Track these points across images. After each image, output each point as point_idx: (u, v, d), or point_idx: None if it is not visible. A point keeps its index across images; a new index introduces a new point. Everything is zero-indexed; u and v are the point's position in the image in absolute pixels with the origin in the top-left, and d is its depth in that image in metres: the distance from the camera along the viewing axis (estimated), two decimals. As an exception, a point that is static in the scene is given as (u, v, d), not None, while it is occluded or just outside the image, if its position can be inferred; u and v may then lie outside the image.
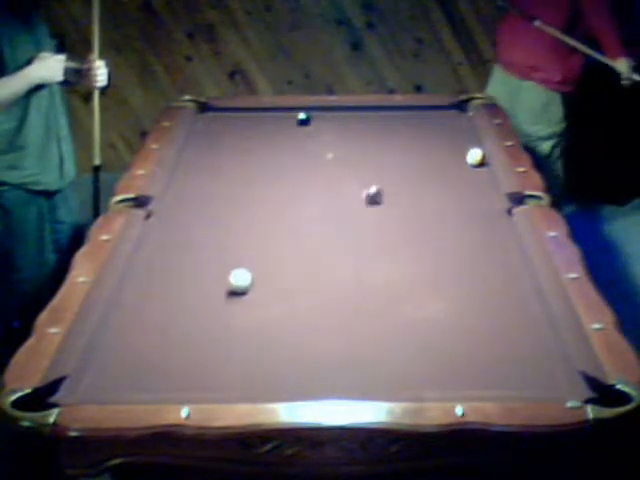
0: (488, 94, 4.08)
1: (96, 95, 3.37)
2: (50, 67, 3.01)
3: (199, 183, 3.17)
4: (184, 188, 3.12)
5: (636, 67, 3.98)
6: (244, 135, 3.59)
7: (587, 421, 1.92)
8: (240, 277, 2.43)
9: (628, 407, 1.94)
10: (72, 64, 3.18)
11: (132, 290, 2.48)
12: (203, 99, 3.91)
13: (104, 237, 2.69)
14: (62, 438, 1.93)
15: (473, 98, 3.88)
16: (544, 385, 2.07)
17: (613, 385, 2.00)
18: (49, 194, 3.20)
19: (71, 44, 4.44)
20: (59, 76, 3.04)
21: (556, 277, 2.45)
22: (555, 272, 2.47)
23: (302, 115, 3.68)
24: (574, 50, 4.03)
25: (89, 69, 3.21)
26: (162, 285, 2.53)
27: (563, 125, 4.25)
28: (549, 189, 2.99)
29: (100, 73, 3.23)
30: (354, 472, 2.01)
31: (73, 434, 1.92)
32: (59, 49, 3.27)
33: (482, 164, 3.25)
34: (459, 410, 1.93)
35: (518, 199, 2.91)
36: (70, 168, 3.27)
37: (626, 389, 1.98)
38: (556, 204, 2.94)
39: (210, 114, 3.79)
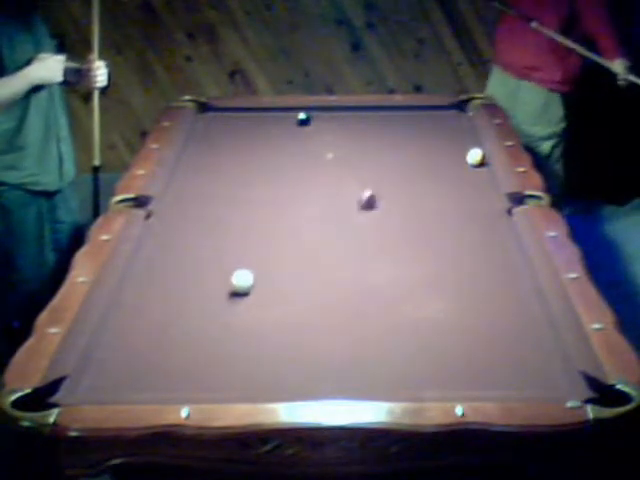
0: (488, 95, 4.09)
1: (96, 95, 3.37)
2: (50, 67, 3.01)
3: (199, 183, 3.17)
4: (184, 188, 3.12)
5: (632, 68, 3.98)
6: (244, 135, 3.59)
7: (587, 421, 1.92)
8: (242, 278, 2.43)
9: (628, 407, 1.94)
10: (72, 64, 3.18)
11: (132, 290, 2.48)
12: (203, 99, 3.91)
13: (104, 237, 2.69)
14: (62, 438, 1.93)
15: (473, 98, 3.88)
16: (544, 385, 2.07)
17: (613, 385, 2.00)
18: (49, 194, 3.20)
19: (71, 44, 4.44)
20: (59, 77, 3.04)
21: (556, 277, 2.45)
22: (555, 272, 2.47)
23: (302, 115, 3.68)
24: (572, 50, 4.03)
25: (89, 69, 3.21)
26: (162, 285, 2.53)
27: (563, 125, 4.25)
28: (549, 189, 3.00)
29: (100, 73, 3.23)
30: (354, 472, 2.01)
31: (73, 434, 1.92)
32: (59, 49, 3.27)
33: (482, 164, 3.25)
34: (459, 410, 1.93)
35: (518, 199, 2.91)
36: (70, 168, 3.27)
37: (626, 389, 1.98)
38: (556, 204, 2.94)
39: (210, 114, 3.79)
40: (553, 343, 2.21)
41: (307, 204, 3.00)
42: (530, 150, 3.52)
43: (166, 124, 3.60)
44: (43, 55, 3.01)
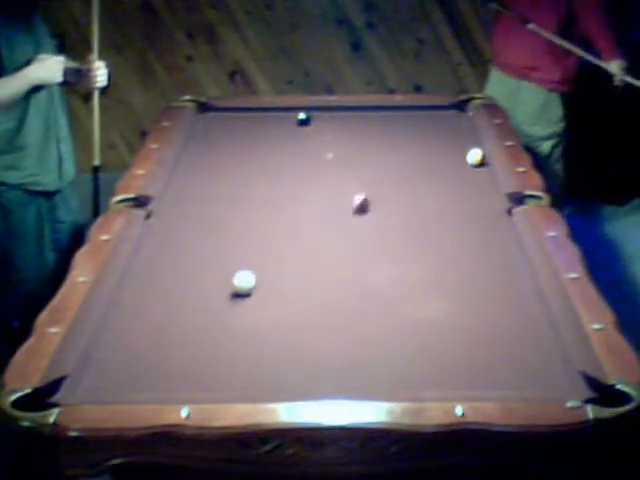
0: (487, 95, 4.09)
1: (96, 95, 3.37)
2: (50, 68, 3.01)
3: (199, 183, 3.17)
4: (184, 188, 3.12)
5: (629, 69, 3.99)
6: (244, 135, 3.59)
7: (587, 421, 1.92)
8: (244, 279, 2.43)
9: (628, 407, 1.94)
10: (72, 64, 3.18)
11: (132, 290, 2.48)
12: (203, 99, 3.91)
13: (104, 237, 2.69)
14: (62, 438, 1.93)
15: (473, 98, 3.88)
16: (544, 385, 2.07)
17: (613, 385, 2.00)
18: (48, 194, 3.20)
19: (71, 44, 4.45)
20: (58, 77, 3.03)
21: (556, 277, 2.45)
22: (555, 272, 2.47)
23: (302, 115, 3.68)
24: (569, 51, 4.04)
25: (89, 69, 3.21)
26: (162, 285, 2.53)
27: (562, 125, 4.25)
28: (549, 189, 3.00)
29: (100, 73, 3.22)
30: (354, 472, 2.01)
31: (73, 434, 1.92)
32: (59, 49, 3.27)
33: (482, 164, 3.25)
34: (459, 410, 1.93)
35: (518, 199, 2.91)
36: (69, 168, 3.27)
37: (626, 389, 1.98)
38: (556, 204, 2.94)
39: (210, 114, 3.79)
40: (553, 343, 2.21)
41: (307, 204, 3.00)
42: (530, 150, 3.52)
43: (166, 124, 3.60)
44: (43, 56, 3.01)
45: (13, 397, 1.98)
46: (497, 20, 4.27)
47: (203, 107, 3.83)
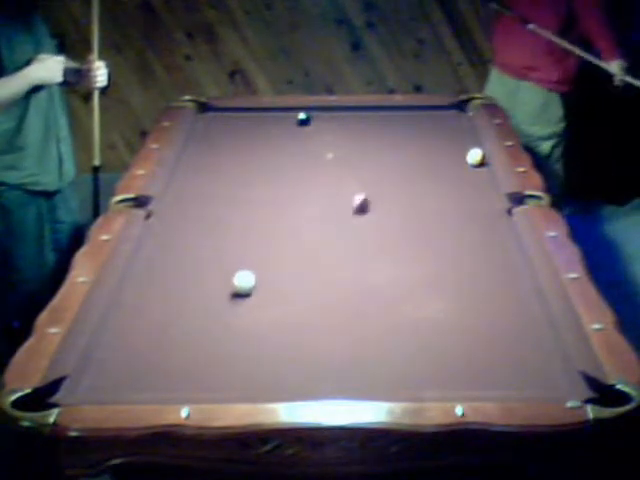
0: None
1: (96, 95, 3.37)
2: (49, 68, 3.01)
3: (199, 183, 3.17)
4: (184, 188, 3.12)
5: (629, 69, 3.99)
6: (244, 135, 3.59)
7: (587, 421, 1.92)
8: (244, 279, 2.43)
9: (628, 407, 1.94)
10: (72, 64, 3.18)
11: (132, 290, 2.48)
12: (203, 99, 3.91)
13: (104, 237, 2.69)
14: (62, 438, 1.93)
15: (473, 98, 3.88)
16: (544, 385, 2.07)
17: (613, 385, 2.00)
18: (48, 194, 3.20)
19: (71, 44, 4.45)
20: (58, 77, 3.03)
21: (556, 277, 2.45)
22: (555, 272, 2.47)
23: (302, 115, 3.68)
24: (569, 51, 4.04)
25: (89, 69, 3.21)
26: (162, 285, 2.53)
27: (562, 125, 4.25)
28: (549, 189, 3.00)
29: (100, 74, 3.22)
30: (354, 472, 2.01)
31: (73, 434, 1.92)
32: (59, 49, 3.27)
33: (482, 164, 3.25)
34: (459, 410, 1.93)
35: (518, 199, 2.92)
36: (69, 168, 3.27)
37: (626, 389, 1.98)
38: (556, 204, 2.94)
39: (210, 114, 3.79)
40: (553, 343, 2.21)
41: (307, 204, 3.00)
42: (530, 150, 3.52)
43: (166, 124, 3.60)
44: (43, 56, 3.01)
45: (13, 397, 1.98)
46: (497, 20, 4.27)
47: (203, 107, 3.83)
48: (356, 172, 3.21)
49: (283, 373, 2.12)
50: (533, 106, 4.20)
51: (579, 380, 2.04)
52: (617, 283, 3.92)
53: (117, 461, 1.95)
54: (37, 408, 1.95)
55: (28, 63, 2.97)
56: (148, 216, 2.87)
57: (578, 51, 4.01)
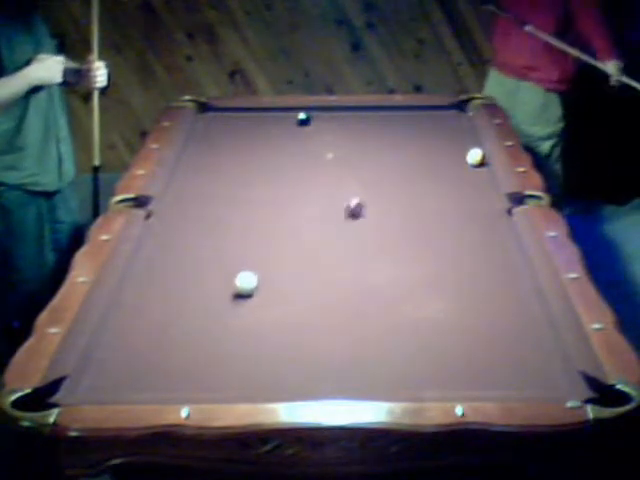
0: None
1: (96, 95, 3.37)
2: (49, 68, 3.01)
3: (199, 183, 3.17)
4: (184, 188, 3.12)
5: (629, 69, 3.99)
6: (244, 135, 3.59)
7: (587, 421, 1.92)
8: (246, 280, 2.43)
9: (628, 407, 1.94)
10: (72, 65, 3.18)
11: (132, 290, 2.48)
12: (203, 99, 3.91)
13: (104, 237, 2.69)
14: (62, 438, 1.93)
15: (473, 98, 3.88)
16: (544, 385, 2.07)
17: (613, 385, 2.00)
18: (48, 194, 3.20)
19: (71, 44, 4.44)
20: (58, 78, 3.03)
21: (556, 277, 2.45)
22: (555, 272, 2.47)
23: (302, 115, 3.68)
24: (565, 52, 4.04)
25: (89, 69, 3.21)
26: (162, 285, 2.53)
27: (561, 125, 4.25)
28: (549, 189, 3.00)
29: (100, 74, 3.22)
30: (354, 472, 2.01)
31: (73, 434, 1.92)
32: (59, 49, 3.27)
33: (482, 164, 3.25)
34: (459, 410, 1.93)
35: (518, 199, 2.92)
36: (69, 169, 3.27)
37: (626, 389, 1.98)
38: (556, 204, 2.94)
39: (210, 114, 3.79)
40: (553, 343, 2.21)
41: (307, 204, 3.00)
42: (530, 150, 3.52)
43: (166, 124, 3.60)
44: (43, 56, 3.01)
45: (13, 397, 1.98)
46: (496, 21, 4.28)
47: (203, 107, 3.83)
48: (356, 172, 3.21)
49: (283, 373, 2.12)
50: (533, 106, 4.20)
51: (579, 380, 2.04)
52: (617, 283, 3.92)
53: (117, 461, 1.95)
54: (37, 408, 1.95)
55: (28, 63, 2.97)
56: (148, 216, 2.87)
57: (574, 52, 4.02)
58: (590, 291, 2.37)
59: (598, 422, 1.91)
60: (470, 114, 3.75)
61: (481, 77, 4.70)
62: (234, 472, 2.00)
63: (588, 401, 1.96)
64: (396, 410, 1.95)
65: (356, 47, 5.03)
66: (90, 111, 3.42)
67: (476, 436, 1.92)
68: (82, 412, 1.97)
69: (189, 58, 5.04)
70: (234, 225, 2.87)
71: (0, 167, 3.06)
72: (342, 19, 4.99)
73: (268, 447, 1.93)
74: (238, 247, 2.72)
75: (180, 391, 2.05)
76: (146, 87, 5.07)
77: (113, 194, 2.97)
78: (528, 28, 4.00)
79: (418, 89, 5.06)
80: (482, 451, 1.96)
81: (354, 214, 2.85)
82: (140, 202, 2.93)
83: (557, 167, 4.31)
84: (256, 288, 2.43)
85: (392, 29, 5.00)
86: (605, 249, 4.34)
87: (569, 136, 4.32)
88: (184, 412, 1.93)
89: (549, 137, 4.24)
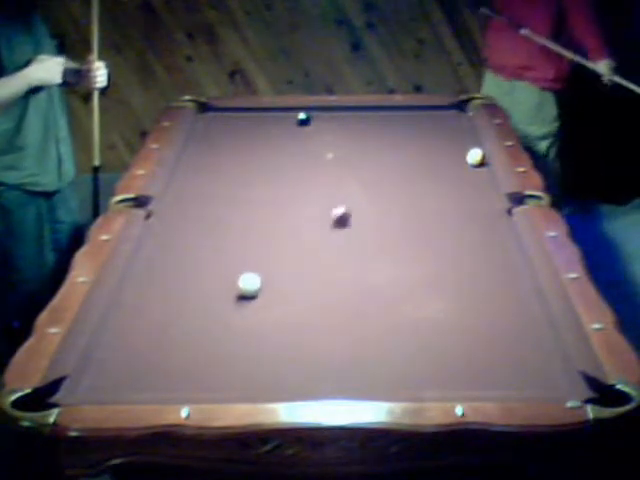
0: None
1: (96, 95, 3.37)
2: (49, 69, 3.00)
3: (199, 183, 3.17)
4: (184, 188, 3.12)
5: (617, 68, 4.00)
6: (244, 135, 3.59)
7: (587, 421, 1.92)
8: (250, 281, 2.42)
9: (628, 407, 1.94)
10: (71, 65, 3.18)
11: (132, 290, 2.48)
12: (203, 99, 3.91)
13: (104, 237, 2.69)
14: (62, 438, 1.93)
15: (473, 98, 3.88)
16: (544, 385, 2.07)
17: (613, 385, 2.00)
18: (48, 195, 3.20)
19: (71, 44, 4.45)
20: (58, 78, 3.03)
21: (556, 277, 2.45)
22: (555, 272, 2.47)
23: (302, 115, 3.68)
24: (558, 52, 4.05)
25: (88, 70, 3.21)
26: (162, 285, 2.53)
27: (557, 124, 4.26)
28: (549, 189, 3.00)
29: (100, 74, 3.22)
30: (354, 472, 2.01)
31: (73, 434, 1.92)
32: (59, 49, 3.27)
33: (482, 164, 3.25)
34: (459, 410, 1.93)
35: (518, 199, 2.92)
36: (69, 169, 3.27)
37: (626, 389, 1.98)
38: (555, 204, 2.94)
39: (210, 114, 3.79)
40: (553, 343, 2.21)
41: (307, 204, 3.00)
42: (527, 150, 3.52)
43: (166, 124, 3.60)
44: (42, 57, 3.01)
45: (13, 397, 1.98)
46: (489, 23, 4.29)
47: (203, 107, 3.83)
48: (356, 172, 3.21)
49: (283, 373, 2.12)
50: (528, 106, 4.20)
51: (579, 380, 2.04)
52: (617, 283, 3.92)
53: (117, 461, 1.95)
54: (37, 408, 1.95)
55: (28, 63, 2.97)
56: (148, 216, 2.87)
57: (567, 53, 4.03)
58: (590, 291, 2.37)
59: (598, 422, 1.91)
60: (470, 114, 3.75)
61: (481, 77, 4.68)
62: (234, 472, 2.00)
63: (588, 401, 1.96)
64: (396, 410, 1.95)
65: (356, 47, 5.03)
66: (90, 111, 3.42)
67: (476, 436, 1.92)
68: (82, 412, 1.97)
69: (189, 58, 5.04)
70: (234, 225, 2.87)
71: (0, 167, 3.06)
72: (342, 19, 4.99)
73: (268, 447, 1.93)
74: (238, 247, 2.72)
75: (180, 391, 2.05)
76: (146, 87, 5.07)
77: (113, 194, 2.97)
78: (523, 32, 4.01)
79: (418, 89, 5.06)
80: (482, 451, 1.96)
81: (341, 222, 2.83)
82: (140, 202, 2.93)
83: (555, 167, 4.31)
84: (259, 290, 2.43)
85: (392, 29, 5.00)
86: (605, 249, 4.34)
87: (566, 136, 4.32)
88: (184, 412, 1.93)
89: (545, 137, 4.24)
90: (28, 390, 2.00)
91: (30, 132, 3.07)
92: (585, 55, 4.02)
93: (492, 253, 2.70)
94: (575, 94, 4.28)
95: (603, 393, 1.98)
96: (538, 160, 3.90)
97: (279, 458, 1.94)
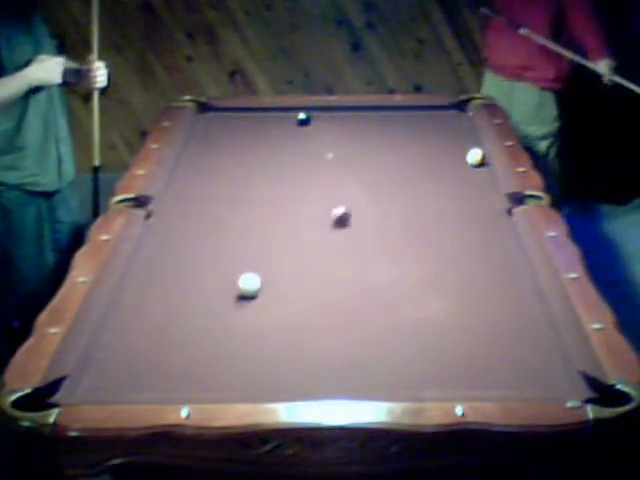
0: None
1: (96, 95, 3.37)
2: (49, 69, 3.00)
3: (199, 183, 3.17)
4: (184, 188, 3.12)
5: (617, 68, 4.00)
6: (244, 135, 3.59)
7: (587, 421, 1.92)
8: (250, 282, 2.42)
9: (628, 407, 1.94)
10: (71, 65, 3.18)
11: (132, 290, 2.48)
12: (203, 99, 3.91)
13: (104, 237, 2.69)
14: (62, 438, 1.93)
15: (473, 98, 3.88)
16: (544, 385, 2.07)
17: (613, 385, 2.00)
18: (48, 195, 3.20)
19: (71, 44, 4.45)
20: (58, 79, 3.03)
21: (556, 277, 2.45)
22: (555, 272, 2.47)
23: (302, 115, 3.68)
24: (558, 52, 4.05)
25: (88, 70, 3.21)
26: (162, 285, 2.53)
27: (557, 124, 4.26)
28: (549, 189, 3.00)
29: (100, 74, 3.22)
30: (354, 472, 2.01)
31: (73, 434, 1.92)
32: (59, 49, 3.27)
33: (482, 164, 3.25)
34: (459, 410, 1.93)
35: (518, 199, 2.91)
36: (69, 169, 3.27)
37: (626, 389, 1.98)
38: (555, 204, 2.94)
39: (210, 114, 3.79)
40: (553, 343, 2.21)
41: (307, 204, 3.00)
42: (527, 150, 3.52)
43: (166, 124, 3.60)
44: (42, 57, 3.01)
45: (13, 397, 1.98)
46: (488, 23, 4.29)
47: (203, 107, 3.83)
48: (356, 172, 3.21)
49: (283, 373, 2.12)
50: (528, 106, 4.20)
51: (579, 380, 2.04)
52: (617, 283, 3.92)
53: (117, 461, 1.95)
54: (37, 408, 1.95)
55: (28, 63, 2.97)
56: (148, 216, 2.87)
57: (567, 53, 4.03)
58: (590, 291, 2.37)
59: (598, 422, 1.91)
60: (470, 114, 3.75)
61: (481, 77, 4.68)
62: (234, 472, 2.00)
63: (588, 401, 1.96)
64: (396, 410, 1.95)
65: (356, 47, 5.03)
66: (90, 111, 3.42)
67: (476, 436, 1.92)
68: (82, 412, 1.97)
69: (189, 58, 5.04)
70: (234, 225, 2.87)
71: (0, 167, 3.06)
72: (342, 19, 4.99)
73: (268, 447, 1.93)
74: (238, 247, 2.72)
75: (180, 391, 2.05)
76: (146, 87, 5.07)
77: (113, 194, 2.97)
78: (523, 31, 4.01)
79: (418, 89, 5.06)
80: (482, 451, 1.96)
81: (341, 222, 2.82)
82: (140, 202, 2.93)
83: (554, 167, 4.31)
84: (260, 290, 2.43)
85: (392, 29, 5.00)
86: (605, 249, 4.34)
87: (566, 136, 4.32)
88: (184, 412, 1.93)
89: (545, 137, 4.24)
90: (28, 390, 2.00)
91: (30, 132, 3.07)
92: (585, 55, 4.02)
93: (492, 253, 2.70)
94: (575, 94, 4.28)
95: (603, 393, 1.98)
96: (538, 160, 3.91)
97: (279, 458, 1.94)
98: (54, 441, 1.94)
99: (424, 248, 2.72)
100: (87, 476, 1.97)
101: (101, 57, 3.26)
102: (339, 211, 2.82)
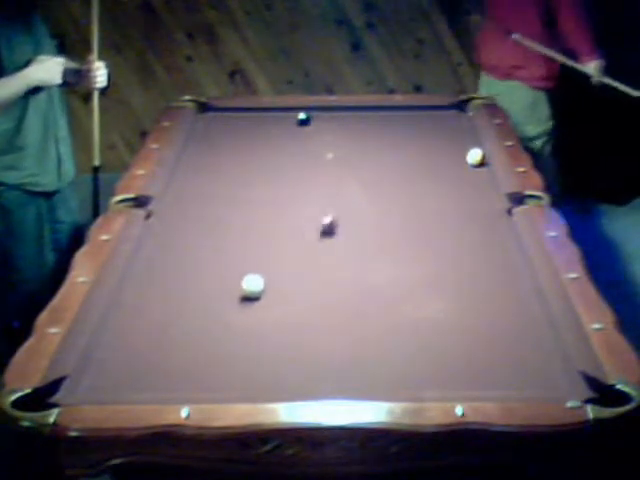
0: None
1: (96, 95, 3.37)
2: (49, 70, 3.00)
3: (199, 183, 3.17)
4: (184, 188, 3.12)
5: (606, 69, 4.00)
6: (244, 135, 3.59)
7: (587, 421, 1.92)
8: (253, 283, 2.42)
9: (628, 407, 1.94)
10: (72, 65, 3.18)
11: (132, 290, 2.48)
12: (203, 99, 3.91)
13: (104, 237, 2.69)
14: (62, 438, 1.93)
15: (473, 98, 3.89)
16: (544, 385, 2.07)
17: (613, 385, 2.00)
18: (48, 195, 3.20)
19: (71, 44, 4.45)
20: (58, 79, 3.03)
21: (556, 277, 2.45)
22: (555, 272, 2.47)
23: (302, 115, 3.68)
24: (548, 55, 4.06)
25: (88, 70, 3.21)
26: (162, 285, 2.53)
27: (551, 123, 4.26)
28: (549, 189, 3.00)
29: (100, 74, 3.22)
30: (354, 472, 2.01)
31: (73, 434, 1.92)
32: (59, 49, 3.27)
33: (482, 164, 3.25)
34: (459, 410, 1.93)
35: (518, 199, 2.91)
36: (69, 169, 3.27)
37: (626, 389, 1.98)
38: (555, 203, 2.94)
39: (210, 114, 3.79)
40: (553, 343, 2.21)
41: (307, 204, 3.00)
42: (525, 150, 3.51)
43: (166, 124, 3.60)
44: (42, 57, 3.01)
45: (13, 397, 1.98)
46: (480, 27, 4.31)
47: (203, 107, 3.83)
48: (356, 172, 3.21)
49: (283, 373, 2.12)
50: (522, 105, 4.19)
51: (579, 380, 2.04)
52: (617, 283, 3.92)
53: (117, 461, 1.95)
54: (37, 408, 1.95)
55: (28, 63, 2.97)
56: (148, 216, 2.87)
57: (557, 55, 4.03)
58: (590, 291, 2.37)
59: (598, 422, 1.91)
60: (470, 114, 3.75)
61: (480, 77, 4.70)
62: (234, 472, 2.00)
63: (588, 401, 1.96)
64: (396, 410, 1.95)
65: (356, 47, 5.03)
66: (90, 111, 3.42)
67: (476, 436, 1.92)
68: (82, 412, 1.97)
69: (189, 58, 5.04)
70: (234, 225, 2.87)
71: (0, 167, 3.06)
72: (342, 19, 4.99)
73: (268, 447, 1.93)
74: (238, 247, 2.72)
75: (180, 391, 2.05)
76: (146, 87, 5.07)
77: (113, 194, 2.97)
78: (514, 37, 4.02)
79: (418, 89, 5.06)
80: (482, 451, 1.96)
81: (329, 231, 2.79)
82: (140, 202, 2.93)
83: (550, 166, 4.31)
84: (262, 291, 2.43)
85: (392, 29, 5.00)
86: (605, 249, 4.34)
87: (566, 135, 4.32)
88: (184, 412, 1.93)
89: (539, 136, 4.24)
90: (28, 390, 2.00)
91: (30, 132, 3.07)
92: (574, 56, 4.03)
93: (492, 253, 2.70)
94: (574, 94, 4.28)
95: (603, 393, 1.98)
96: (536, 159, 3.91)
97: (279, 458, 1.94)
98: (54, 441, 1.94)
99: (424, 248, 2.72)
100: (87, 476, 1.97)
101: (101, 57, 3.26)
102: (326, 220, 2.78)
